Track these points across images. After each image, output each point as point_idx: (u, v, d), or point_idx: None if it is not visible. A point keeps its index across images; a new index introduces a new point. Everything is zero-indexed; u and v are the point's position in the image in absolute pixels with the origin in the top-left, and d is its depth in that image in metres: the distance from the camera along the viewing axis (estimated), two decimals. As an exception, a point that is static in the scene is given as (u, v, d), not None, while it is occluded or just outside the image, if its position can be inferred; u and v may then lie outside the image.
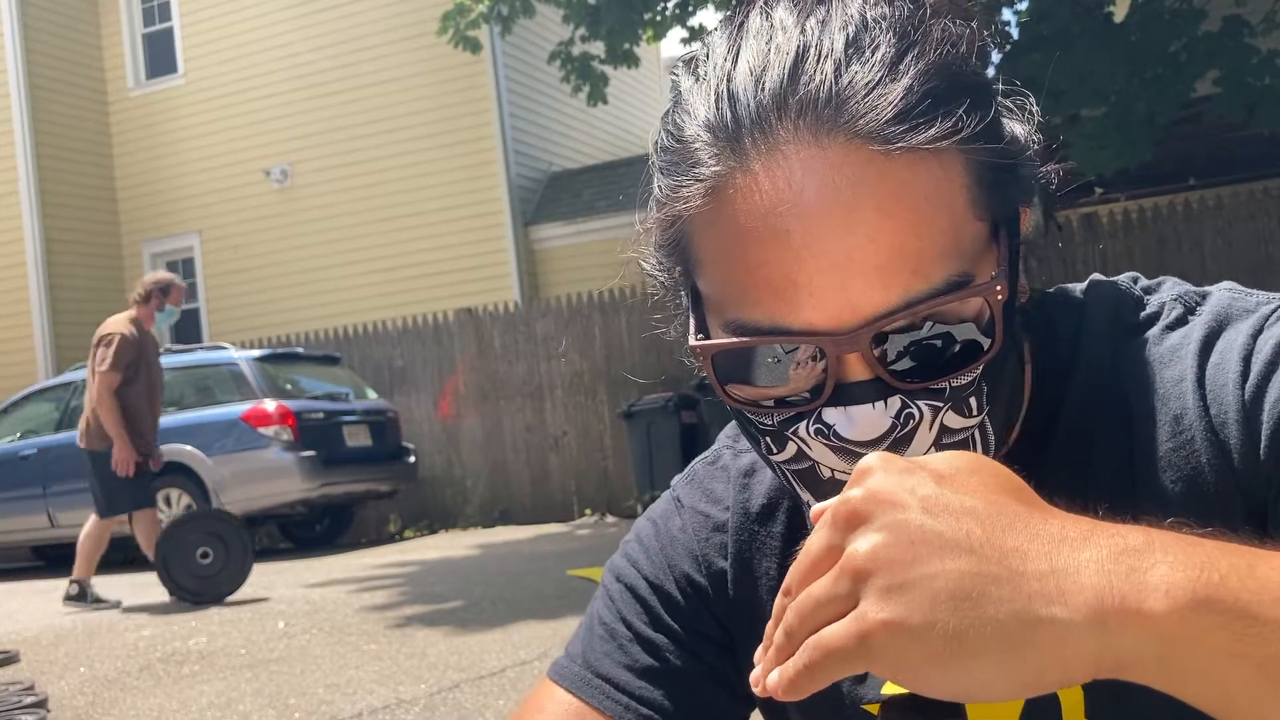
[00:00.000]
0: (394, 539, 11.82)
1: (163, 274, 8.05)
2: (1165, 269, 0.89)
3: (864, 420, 0.70)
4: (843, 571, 0.54)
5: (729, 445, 0.97)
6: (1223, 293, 0.80)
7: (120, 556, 11.51)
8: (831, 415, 0.70)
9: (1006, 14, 10.20)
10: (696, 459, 0.99)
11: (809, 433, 0.71)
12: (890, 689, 0.83)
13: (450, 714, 4.13)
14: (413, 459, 11.59)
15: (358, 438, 10.93)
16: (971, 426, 0.72)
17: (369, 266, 14.62)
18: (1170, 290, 0.83)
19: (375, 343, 12.85)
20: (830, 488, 0.73)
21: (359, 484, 10.87)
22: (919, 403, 0.70)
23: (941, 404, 0.70)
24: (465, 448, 12.34)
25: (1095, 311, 0.83)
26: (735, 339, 0.72)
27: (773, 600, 0.88)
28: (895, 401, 0.70)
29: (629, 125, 17.73)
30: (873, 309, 0.67)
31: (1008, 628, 0.50)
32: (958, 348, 0.70)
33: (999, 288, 0.69)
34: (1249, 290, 0.80)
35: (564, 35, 11.15)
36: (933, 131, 0.67)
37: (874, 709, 0.84)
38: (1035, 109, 0.78)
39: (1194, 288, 0.83)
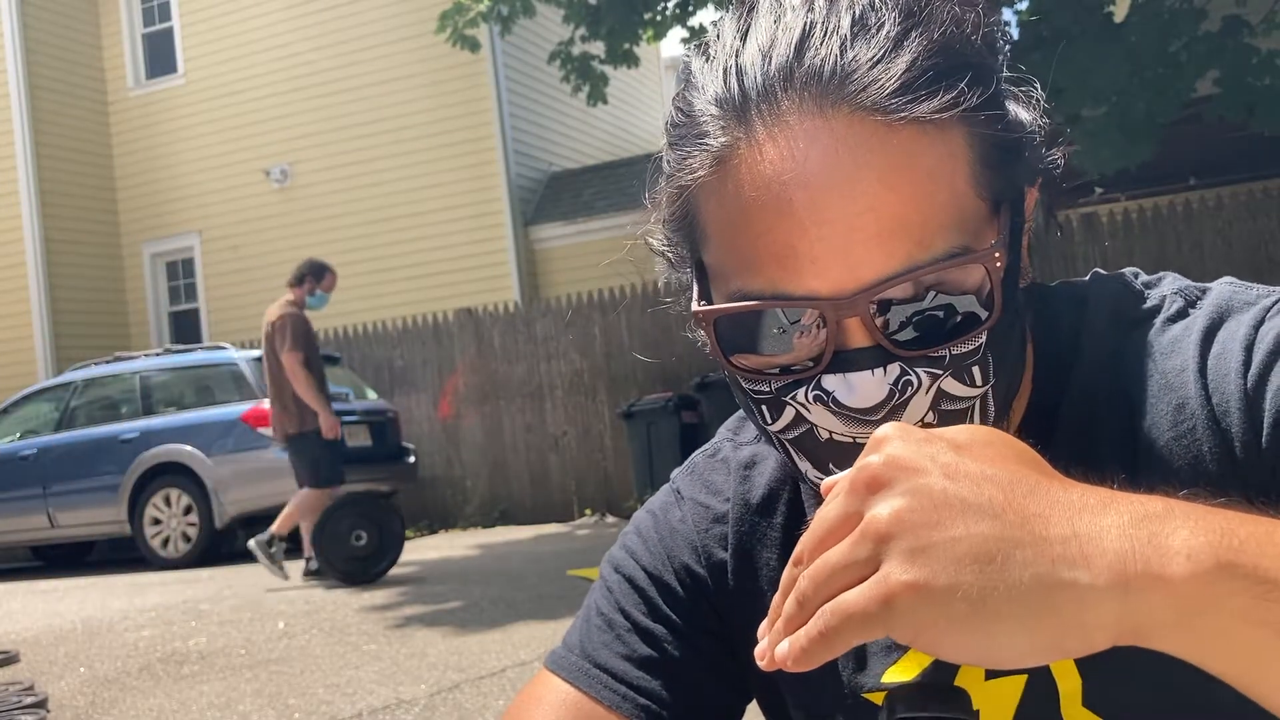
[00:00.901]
0: (394, 539, 11.81)
1: (317, 259, 8.30)
2: (1165, 269, 0.90)
3: (863, 387, 0.71)
4: (864, 535, 0.54)
5: (729, 438, 0.97)
6: (1223, 286, 0.81)
7: (123, 557, 11.52)
8: (830, 382, 0.71)
9: (1007, 14, 10.20)
10: (696, 452, 0.99)
11: (808, 398, 0.72)
12: (890, 677, 0.83)
13: (450, 714, 4.12)
14: (413, 459, 11.58)
15: (358, 438, 10.92)
16: (974, 396, 0.73)
17: (369, 266, 14.61)
18: (1171, 284, 0.84)
19: (375, 343, 12.85)
20: (828, 450, 0.74)
21: (359, 484, 10.86)
22: (917, 370, 0.71)
23: (940, 371, 0.71)
24: (465, 448, 12.34)
25: (1097, 305, 0.83)
26: (737, 304, 0.73)
27: (773, 591, 0.88)
28: (894, 368, 0.70)
29: (629, 125, 17.74)
30: (873, 275, 0.68)
31: (1031, 591, 0.50)
32: (958, 317, 0.71)
33: (997, 255, 0.70)
34: (1249, 284, 0.81)
35: (564, 35, 11.15)
36: (935, 103, 0.68)
37: (874, 697, 0.84)
38: (1041, 96, 0.79)
39: (1194, 283, 0.83)
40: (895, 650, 0.83)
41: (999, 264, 0.70)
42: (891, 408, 0.71)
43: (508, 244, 14.25)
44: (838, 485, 0.58)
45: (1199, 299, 0.81)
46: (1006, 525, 0.52)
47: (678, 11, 10.56)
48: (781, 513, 0.91)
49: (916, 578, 0.52)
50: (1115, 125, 8.63)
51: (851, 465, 0.73)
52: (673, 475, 0.99)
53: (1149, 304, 0.82)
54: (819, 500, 0.87)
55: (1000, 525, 0.52)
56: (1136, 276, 0.86)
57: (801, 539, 0.58)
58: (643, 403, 10.73)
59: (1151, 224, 10.40)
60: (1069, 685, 0.78)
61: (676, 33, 10.81)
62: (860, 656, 0.85)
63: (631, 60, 10.55)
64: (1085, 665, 0.78)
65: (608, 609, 0.93)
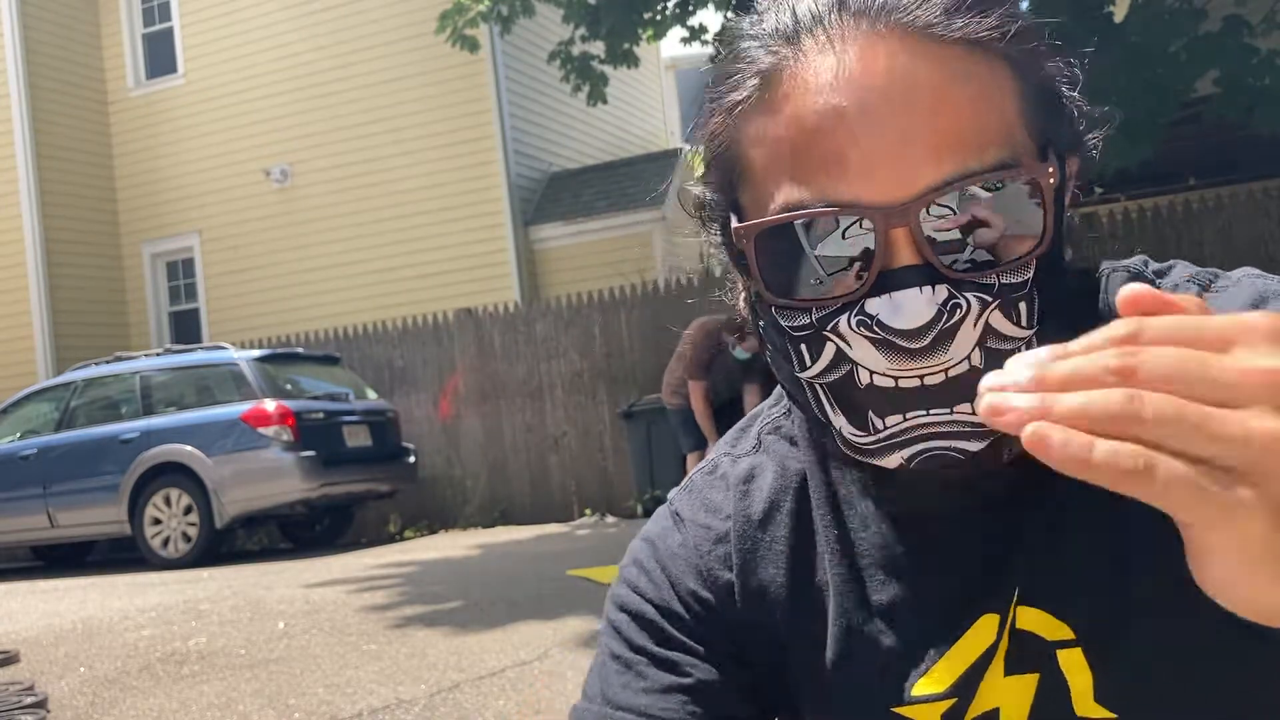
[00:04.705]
0: (394, 539, 11.82)
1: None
2: (1166, 269, 0.89)
3: (910, 306, 0.69)
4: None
5: (726, 452, 0.95)
6: (1252, 279, 0.80)
7: (123, 557, 11.52)
8: (875, 305, 0.70)
9: (1006, 14, 10.18)
10: (694, 469, 0.98)
11: (850, 325, 0.71)
12: (921, 690, 0.81)
13: (450, 714, 4.13)
14: (413, 459, 11.58)
15: (358, 438, 10.93)
16: (1020, 339, 0.71)
17: (369, 266, 14.62)
18: (1181, 272, 0.83)
19: (375, 343, 12.85)
20: (867, 397, 0.72)
21: (359, 484, 10.87)
22: (967, 294, 0.69)
23: (990, 299, 0.70)
24: (465, 448, 12.34)
25: (1110, 290, 0.83)
26: (780, 215, 0.71)
27: (780, 609, 0.87)
28: (942, 289, 0.69)
29: (629, 125, 17.73)
30: (925, 183, 0.68)
31: None
32: (1007, 239, 0.70)
33: (1051, 170, 0.70)
34: (1267, 274, 0.80)
35: (564, 35, 11.14)
36: (984, 23, 0.69)
37: (903, 711, 0.83)
38: (1080, 73, 0.79)
39: (1204, 269, 0.83)
40: (925, 662, 0.81)
41: (1052, 180, 0.69)
42: (939, 332, 0.69)
43: (508, 244, 14.25)
44: (1250, 322, 0.46)
45: (1213, 282, 0.80)
46: None
47: (678, 11, 10.55)
48: (784, 524, 0.89)
49: None
50: (1115, 125, 8.61)
51: (894, 412, 0.71)
52: (670, 496, 0.98)
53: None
54: (829, 502, 0.86)
55: None
56: (1147, 265, 0.85)
57: (1150, 325, 0.47)
58: (643, 403, 10.72)
59: (1151, 224, 10.40)
60: (1080, 681, 0.78)
61: (676, 33, 10.80)
62: (888, 669, 0.83)
63: (631, 60, 10.55)
64: (1096, 662, 0.77)
65: (620, 649, 0.91)
